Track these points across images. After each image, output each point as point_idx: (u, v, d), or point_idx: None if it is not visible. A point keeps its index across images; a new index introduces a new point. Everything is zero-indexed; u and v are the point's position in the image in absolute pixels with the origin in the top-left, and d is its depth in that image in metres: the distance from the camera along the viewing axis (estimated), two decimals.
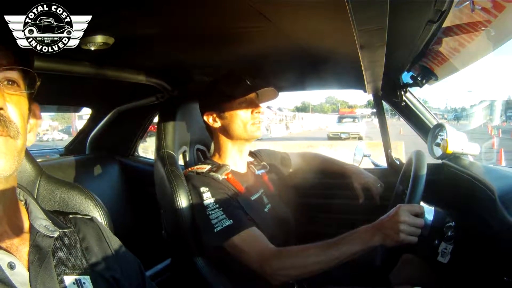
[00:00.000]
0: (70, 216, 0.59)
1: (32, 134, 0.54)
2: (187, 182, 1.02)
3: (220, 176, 1.01)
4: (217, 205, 0.94)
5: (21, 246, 0.50)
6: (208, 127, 1.13)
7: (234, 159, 1.11)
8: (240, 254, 0.91)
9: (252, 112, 1.07)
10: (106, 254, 0.58)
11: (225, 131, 1.09)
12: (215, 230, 0.91)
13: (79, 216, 0.61)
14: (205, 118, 1.10)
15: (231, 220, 0.92)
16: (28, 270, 0.48)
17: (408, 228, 0.81)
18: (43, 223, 0.53)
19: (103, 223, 0.69)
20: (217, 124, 1.09)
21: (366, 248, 0.84)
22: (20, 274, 0.47)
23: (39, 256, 0.49)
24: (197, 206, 0.96)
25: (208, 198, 0.95)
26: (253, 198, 1.07)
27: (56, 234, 0.53)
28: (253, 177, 1.14)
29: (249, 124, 1.07)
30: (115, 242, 0.61)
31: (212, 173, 1.02)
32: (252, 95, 1.07)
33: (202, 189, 0.97)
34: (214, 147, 1.15)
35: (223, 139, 1.10)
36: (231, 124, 1.07)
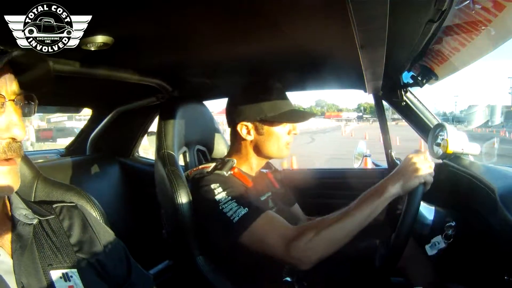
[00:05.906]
0: (54, 205, 0.60)
1: None
2: (196, 184, 0.99)
3: (226, 173, 0.99)
4: (230, 197, 0.91)
5: (4, 235, 0.51)
6: (235, 135, 1.07)
7: (251, 166, 1.08)
8: (261, 243, 0.87)
9: (289, 133, 1.05)
10: (92, 241, 0.59)
11: (256, 145, 1.05)
12: (234, 221, 0.88)
13: (64, 204, 0.62)
14: (238, 127, 1.04)
15: (246, 208, 0.89)
16: (12, 259, 0.49)
17: (424, 165, 0.86)
18: (23, 212, 0.54)
19: None
20: (250, 137, 1.04)
21: (386, 201, 0.85)
22: (4, 263, 0.48)
23: (20, 245, 0.50)
24: (210, 204, 0.93)
25: (219, 193, 0.93)
26: (262, 198, 1.06)
27: (35, 222, 0.54)
28: (259, 177, 1.13)
29: (283, 144, 1.04)
30: (99, 227, 0.62)
31: (217, 171, 0.99)
32: None
33: (213, 185, 0.94)
34: (232, 149, 1.11)
35: (249, 151, 1.06)
36: (267, 142, 1.03)
